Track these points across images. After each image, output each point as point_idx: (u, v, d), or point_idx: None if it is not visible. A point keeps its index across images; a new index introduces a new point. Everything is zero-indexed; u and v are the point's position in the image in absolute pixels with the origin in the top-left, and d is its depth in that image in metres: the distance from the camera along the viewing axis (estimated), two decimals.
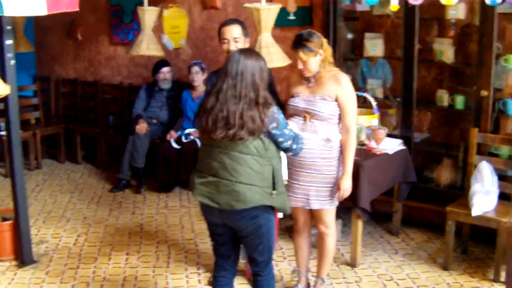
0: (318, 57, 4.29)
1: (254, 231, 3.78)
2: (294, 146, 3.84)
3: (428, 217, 6.13)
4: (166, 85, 7.87)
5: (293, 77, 4.58)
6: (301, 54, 4.26)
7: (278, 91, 5.20)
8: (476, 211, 5.06)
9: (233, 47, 4.74)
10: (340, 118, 4.39)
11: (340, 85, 4.34)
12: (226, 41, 4.81)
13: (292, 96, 4.49)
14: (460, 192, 5.71)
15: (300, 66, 4.32)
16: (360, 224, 5.31)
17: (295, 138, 3.84)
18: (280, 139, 3.73)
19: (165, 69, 7.83)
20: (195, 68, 7.50)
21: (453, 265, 5.38)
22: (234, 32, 4.81)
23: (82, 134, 8.88)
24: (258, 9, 4.91)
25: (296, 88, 4.50)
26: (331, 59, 4.39)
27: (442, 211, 5.38)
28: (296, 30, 4.56)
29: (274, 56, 4.92)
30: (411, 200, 5.94)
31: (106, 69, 9.21)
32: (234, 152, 3.64)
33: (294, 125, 4.17)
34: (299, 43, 4.28)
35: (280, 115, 3.73)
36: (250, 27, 5.02)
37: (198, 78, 7.48)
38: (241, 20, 5.04)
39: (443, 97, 5.97)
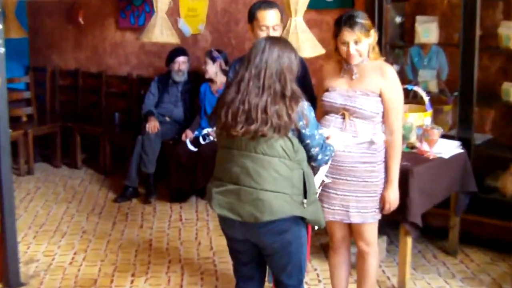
0: (371, 39, 4.25)
1: (281, 248, 3.74)
2: (320, 156, 3.80)
3: (492, 234, 6.07)
4: (180, 78, 7.93)
5: (328, 67, 4.51)
6: (358, 33, 4.15)
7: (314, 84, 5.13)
8: None
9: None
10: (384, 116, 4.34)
11: (385, 78, 4.28)
12: (264, 28, 4.68)
13: (327, 90, 4.42)
14: None
15: (353, 50, 4.21)
16: (409, 241, 5.24)
17: (323, 147, 3.81)
18: (308, 141, 3.69)
19: (181, 59, 7.87)
20: (205, 58, 7.55)
21: None
22: (274, 19, 4.72)
23: (83, 134, 8.97)
24: None
25: (331, 81, 4.43)
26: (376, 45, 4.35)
27: (508, 227, 5.33)
28: (334, 13, 4.51)
29: (304, 44, 4.87)
30: (471, 213, 5.85)
31: (112, 58, 9.28)
32: (257, 154, 3.61)
33: (334, 130, 4.14)
34: (353, 21, 4.16)
35: (311, 113, 3.69)
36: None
37: (209, 69, 7.51)
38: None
39: (510, 90, 5.89)
